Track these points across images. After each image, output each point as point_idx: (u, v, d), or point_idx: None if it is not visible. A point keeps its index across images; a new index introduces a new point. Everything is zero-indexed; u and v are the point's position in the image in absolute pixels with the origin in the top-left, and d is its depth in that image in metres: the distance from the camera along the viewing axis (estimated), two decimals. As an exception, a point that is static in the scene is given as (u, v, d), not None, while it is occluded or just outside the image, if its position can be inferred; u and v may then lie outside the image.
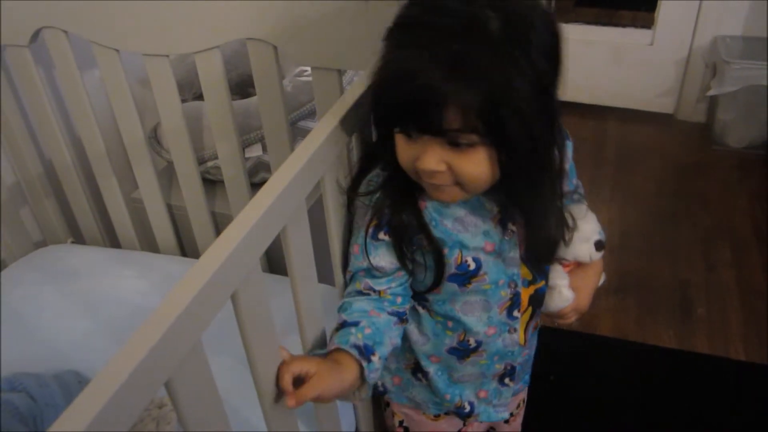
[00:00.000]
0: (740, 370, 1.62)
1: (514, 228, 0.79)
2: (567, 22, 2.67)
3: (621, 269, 1.94)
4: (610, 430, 1.48)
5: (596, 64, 2.64)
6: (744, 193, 2.27)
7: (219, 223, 1.28)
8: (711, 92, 2.37)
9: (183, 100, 1.36)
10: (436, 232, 0.77)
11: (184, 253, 1.35)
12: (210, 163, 1.31)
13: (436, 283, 0.79)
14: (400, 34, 0.67)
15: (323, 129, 0.75)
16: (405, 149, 0.71)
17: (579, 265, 0.93)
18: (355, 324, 0.77)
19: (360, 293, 0.81)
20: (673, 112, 2.70)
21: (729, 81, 2.29)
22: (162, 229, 1.31)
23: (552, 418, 1.48)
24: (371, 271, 0.80)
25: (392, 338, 0.81)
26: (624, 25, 2.77)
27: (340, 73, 0.99)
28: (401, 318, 0.83)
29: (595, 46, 2.61)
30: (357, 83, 0.85)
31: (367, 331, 0.77)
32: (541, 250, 0.82)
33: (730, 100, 2.36)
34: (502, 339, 0.87)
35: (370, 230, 0.79)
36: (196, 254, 1.33)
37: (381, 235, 0.79)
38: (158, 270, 1.24)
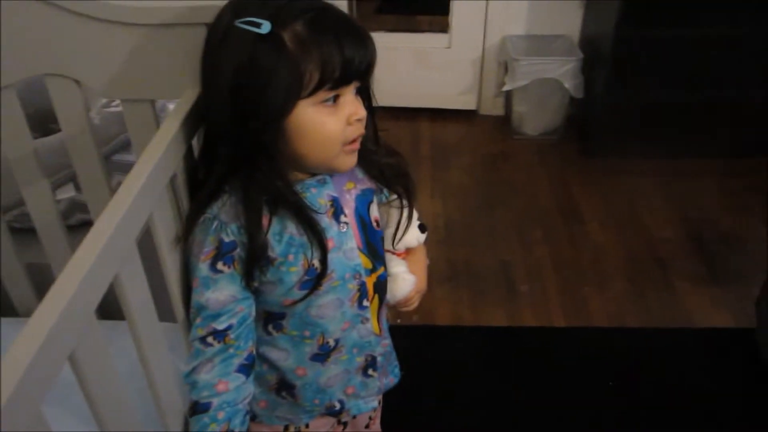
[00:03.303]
0: (562, 335, 1.80)
1: (346, 220, 0.84)
2: (371, 30, 2.78)
3: (449, 259, 2.06)
4: (459, 415, 1.57)
5: (401, 69, 2.77)
6: (545, 175, 2.52)
7: (34, 275, 1.17)
8: (505, 87, 2.60)
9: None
10: (281, 245, 0.78)
11: (-3, 312, 1.22)
12: (15, 211, 1.19)
13: (322, 275, 0.80)
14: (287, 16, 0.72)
15: (146, 164, 0.72)
16: (330, 117, 0.76)
17: (408, 251, 1.00)
18: (206, 409, 0.81)
19: (203, 341, 0.80)
20: (476, 107, 2.92)
21: (519, 76, 2.52)
22: (-34, 289, 1.17)
23: (404, 412, 1.54)
24: (211, 310, 0.79)
25: (246, 396, 0.85)
26: (423, 30, 2.95)
27: (153, 103, 0.96)
28: (249, 369, 0.84)
29: (398, 52, 2.74)
30: (174, 112, 0.82)
31: (220, 415, 0.81)
32: (392, 173, 0.91)
33: (523, 94, 2.60)
34: (357, 331, 0.90)
35: (208, 261, 0.78)
36: (11, 312, 1.21)
37: (220, 266, 0.78)
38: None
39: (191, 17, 0.88)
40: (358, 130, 0.79)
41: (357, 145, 0.80)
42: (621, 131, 2.53)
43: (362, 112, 0.78)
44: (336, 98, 0.76)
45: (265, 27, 0.71)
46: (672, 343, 1.77)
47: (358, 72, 0.75)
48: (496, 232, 2.21)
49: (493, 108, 2.89)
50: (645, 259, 2.08)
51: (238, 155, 0.76)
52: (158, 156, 0.74)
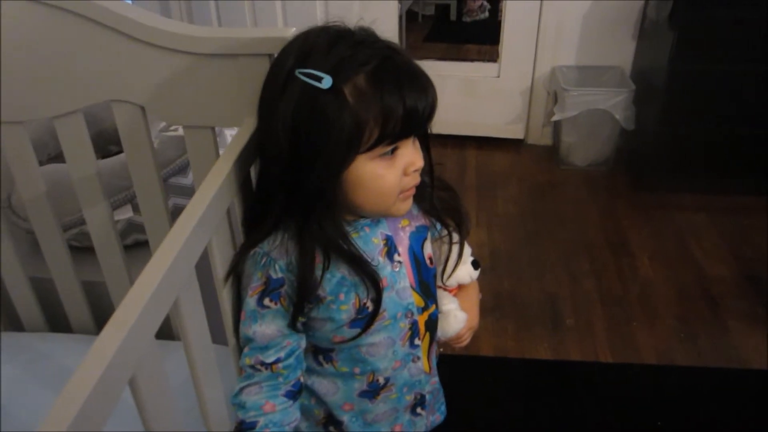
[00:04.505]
0: (608, 371, 1.75)
1: (400, 259, 0.83)
2: (419, 58, 2.81)
3: (494, 289, 2.04)
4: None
5: (449, 97, 2.79)
6: (593, 206, 2.48)
7: (89, 293, 1.21)
8: (555, 118, 2.58)
9: (38, 164, 1.28)
10: (331, 284, 0.78)
11: (52, 328, 1.26)
12: (75, 230, 1.23)
13: (374, 315, 0.80)
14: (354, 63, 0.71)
15: (207, 191, 0.74)
16: (388, 170, 0.75)
17: (461, 287, 0.99)
18: (252, 427, 0.80)
19: (253, 368, 0.81)
20: (524, 137, 2.91)
21: (569, 107, 2.50)
22: (25, 304, 1.21)
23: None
24: (258, 343, 0.80)
25: (292, 421, 0.83)
26: (471, 59, 2.96)
27: (214, 130, 0.98)
28: (296, 395, 0.84)
29: (446, 80, 2.77)
30: (234, 141, 0.84)
31: None
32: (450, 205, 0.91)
33: (572, 124, 2.58)
34: (408, 369, 0.89)
35: (256, 296, 0.79)
36: (65, 328, 1.24)
37: (266, 302, 0.79)
38: (26, 350, 1.14)
39: (254, 48, 0.90)
40: (415, 179, 0.78)
41: (413, 191, 0.80)
42: (672, 165, 2.48)
43: (419, 163, 0.77)
44: (394, 150, 0.75)
45: (326, 82, 0.69)
46: (724, 384, 1.71)
47: (419, 124, 0.75)
48: (542, 263, 2.19)
49: (541, 138, 2.88)
50: (696, 297, 2.02)
51: (292, 201, 0.76)
52: (218, 184, 0.75)
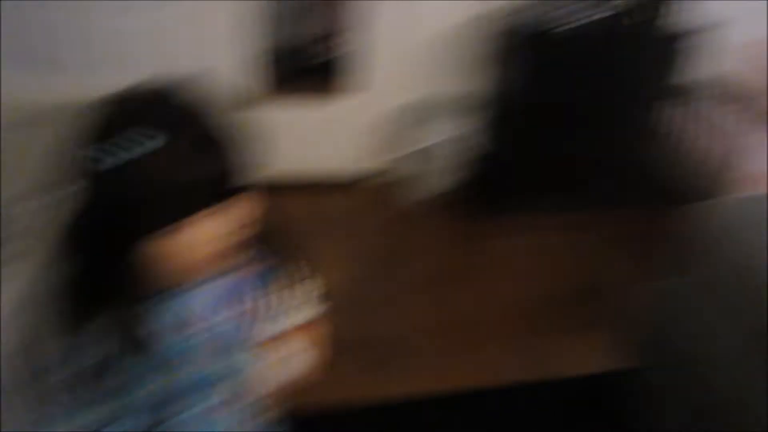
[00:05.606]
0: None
1: None
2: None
3: (340, 333, 1.97)
4: None
5: (289, 142, 2.54)
6: (444, 234, 2.53)
7: None
8: (404, 149, 2.60)
9: None
10: None
11: None
12: None
13: None
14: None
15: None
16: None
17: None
18: None
19: None
20: (370, 171, 2.77)
21: (420, 137, 2.56)
22: None
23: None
24: None
25: None
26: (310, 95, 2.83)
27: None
28: None
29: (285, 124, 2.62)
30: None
31: None
32: None
33: (421, 154, 2.60)
34: None
35: None
36: None
37: None
38: None
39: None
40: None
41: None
42: (519, 188, 2.60)
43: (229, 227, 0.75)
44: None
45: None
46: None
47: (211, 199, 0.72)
48: (391, 298, 2.18)
49: (389, 170, 2.75)
50: (541, 311, 2.13)
51: None
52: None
